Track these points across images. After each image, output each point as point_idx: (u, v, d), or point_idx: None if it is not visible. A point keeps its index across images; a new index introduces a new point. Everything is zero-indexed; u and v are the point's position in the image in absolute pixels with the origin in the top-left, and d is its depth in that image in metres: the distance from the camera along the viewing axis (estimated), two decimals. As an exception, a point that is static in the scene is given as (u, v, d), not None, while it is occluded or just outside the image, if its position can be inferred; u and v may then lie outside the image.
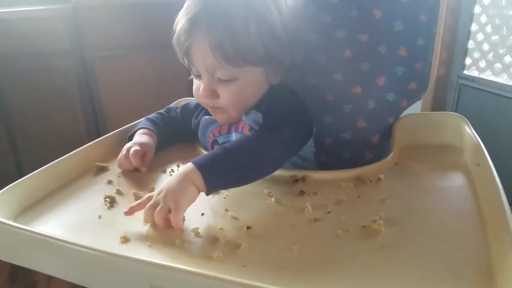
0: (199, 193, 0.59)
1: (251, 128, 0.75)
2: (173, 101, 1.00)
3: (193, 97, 0.87)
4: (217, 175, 0.60)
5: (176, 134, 0.88)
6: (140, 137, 0.80)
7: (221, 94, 0.73)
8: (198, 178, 0.58)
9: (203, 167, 0.59)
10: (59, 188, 0.68)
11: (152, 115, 0.88)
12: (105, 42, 2.02)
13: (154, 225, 0.56)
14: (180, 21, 0.72)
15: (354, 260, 0.49)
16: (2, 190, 0.59)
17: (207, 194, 0.60)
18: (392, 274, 0.46)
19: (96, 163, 0.74)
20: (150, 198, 0.58)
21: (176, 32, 0.73)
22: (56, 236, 0.49)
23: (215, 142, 0.81)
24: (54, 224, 0.58)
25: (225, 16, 0.68)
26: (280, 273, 0.47)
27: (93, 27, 1.98)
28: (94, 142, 0.79)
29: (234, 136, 0.78)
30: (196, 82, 0.77)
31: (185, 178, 0.58)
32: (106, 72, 2.07)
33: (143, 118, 0.88)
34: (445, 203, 0.61)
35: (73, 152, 0.73)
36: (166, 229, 0.55)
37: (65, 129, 2.09)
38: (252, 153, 0.65)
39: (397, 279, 0.45)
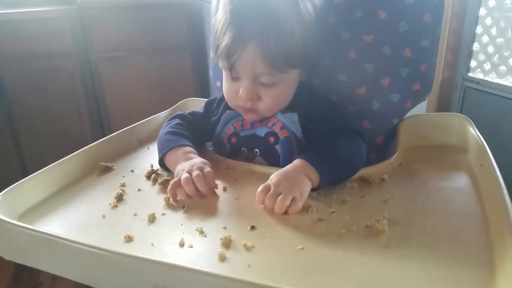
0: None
1: (283, 127, 0.75)
2: (178, 102, 1.00)
3: (198, 97, 0.88)
4: (327, 172, 0.65)
5: (201, 141, 0.84)
6: (193, 156, 0.72)
7: (263, 97, 0.73)
8: (314, 174, 0.63)
9: (316, 165, 0.64)
10: (63, 188, 0.68)
11: (175, 127, 0.79)
12: (110, 43, 2.04)
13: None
14: (225, 25, 0.71)
15: (358, 260, 0.49)
16: (6, 190, 0.60)
17: (319, 188, 0.64)
18: (395, 273, 0.46)
19: (101, 163, 0.74)
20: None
21: (221, 36, 0.71)
22: (59, 235, 0.50)
23: (234, 135, 0.79)
24: (58, 224, 0.58)
25: (275, 23, 0.68)
26: (285, 273, 0.47)
27: (98, 28, 2.00)
28: (99, 142, 0.79)
29: (259, 130, 0.77)
30: (230, 85, 0.75)
31: (302, 173, 0.63)
32: (111, 73, 2.08)
33: (166, 128, 0.80)
34: (448, 203, 0.61)
35: (77, 152, 0.73)
36: (172, 229, 0.55)
37: (70, 129, 2.10)
38: (353, 155, 0.70)
39: (401, 278, 0.45)
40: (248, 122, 0.79)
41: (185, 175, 0.64)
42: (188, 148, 0.73)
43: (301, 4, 0.71)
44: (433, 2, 0.78)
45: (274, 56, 0.68)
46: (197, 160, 0.70)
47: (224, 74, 0.77)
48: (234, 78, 0.74)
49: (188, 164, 0.68)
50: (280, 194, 0.59)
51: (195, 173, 0.65)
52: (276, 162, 0.75)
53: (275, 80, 0.72)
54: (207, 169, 0.67)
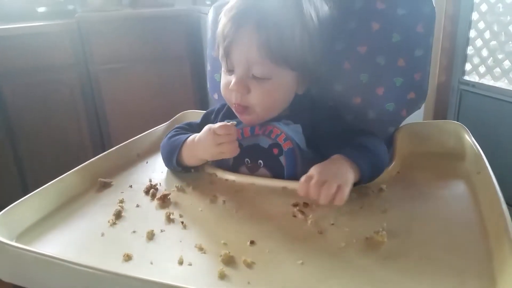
0: None
1: (287, 138, 0.75)
2: (177, 113, 1.00)
3: (197, 110, 0.88)
4: (367, 165, 0.65)
5: None
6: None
7: (252, 90, 0.73)
8: (355, 168, 0.64)
9: (356, 158, 0.65)
10: (62, 206, 0.68)
11: (175, 131, 0.83)
12: (109, 55, 2.05)
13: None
14: (227, 15, 0.73)
15: (359, 273, 0.49)
16: (4, 210, 0.59)
17: (361, 182, 0.66)
18: (397, 285, 0.46)
19: (99, 179, 0.74)
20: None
21: (222, 24, 0.74)
22: (57, 256, 0.50)
23: None
24: (57, 243, 0.58)
25: (274, 17, 0.70)
26: (285, 288, 0.47)
27: (97, 40, 2.02)
28: (97, 158, 0.79)
29: (261, 140, 0.77)
30: (225, 78, 0.76)
31: (343, 164, 0.64)
32: (111, 84, 2.10)
33: (168, 136, 0.82)
34: (447, 212, 0.61)
35: (75, 168, 0.73)
36: (171, 246, 0.55)
37: (70, 141, 2.11)
38: (382, 151, 0.72)
39: (401, 290, 0.45)
40: (247, 129, 0.79)
41: (209, 130, 0.71)
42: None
43: (305, 9, 0.72)
44: (424, 13, 0.79)
45: (268, 44, 0.69)
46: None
47: (222, 71, 0.77)
48: (229, 71, 0.75)
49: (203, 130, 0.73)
50: (325, 182, 0.59)
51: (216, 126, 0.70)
52: (280, 173, 0.75)
53: (268, 73, 0.72)
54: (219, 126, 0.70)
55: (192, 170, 0.78)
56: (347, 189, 0.59)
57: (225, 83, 0.76)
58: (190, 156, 0.76)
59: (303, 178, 0.61)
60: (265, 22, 0.69)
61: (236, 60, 0.72)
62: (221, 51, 0.74)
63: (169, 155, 0.78)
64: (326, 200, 0.58)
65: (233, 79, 0.73)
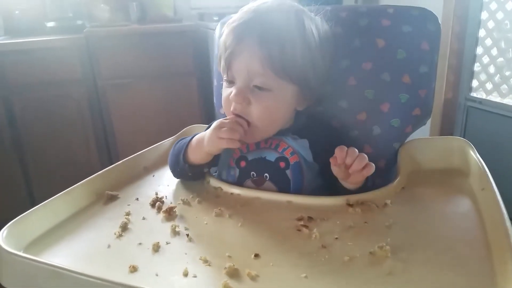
0: None
1: (293, 152, 0.76)
2: (184, 127, 1.01)
3: (204, 124, 0.89)
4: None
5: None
6: None
7: (253, 102, 0.73)
8: None
9: None
10: (69, 218, 0.68)
11: (180, 140, 0.85)
12: (117, 70, 2.08)
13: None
14: (229, 26, 0.74)
15: (362, 287, 0.49)
16: (12, 221, 0.60)
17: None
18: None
19: (106, 191, 0.75)
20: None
21: (224, 35, 0.75)
22: (64, 267, 0.50)
23: (242, 158, 0.80)
24: (64, 254, 0.59)
25: (276, 30, 0.72)
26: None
27: (105, 55, 2.05)
28: (105, 171, 0.80)
29: (267, 154, 0.78)
30: (226, 90, 0.77)
31: None
32: (118, 100, 2.12)
33: (175, 146, 0.84)
34: (451, 229, 0.61)
35: (83, 181, 0.74)
36: (176, 258, 0.56)
37: (78, 156, 2.12)
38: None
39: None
40: (252, 143, 0.79)
41: (218, 125, 0.73)
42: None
43: (306, 25, 0.73)
44: (429, 30, 0.80)
45: (271, 56, 0.70)
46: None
47: (223, 84, 0.78)
48: (230, 82, 0.75)
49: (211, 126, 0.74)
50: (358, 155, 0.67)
51: (218, 128, 0.72)
52: (286, 187, 0.76)
53: (269, 85, 0.72)
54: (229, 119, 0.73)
55: (205, 170, 0.80)
56: (372, 165, 0.68)
57: (226, 95, 0.76)
58: (196, 150, 0.77)
59: (338, 148, 0.68)
60: (267, 34, 0.71)
61: (237, 71, 0.73)
62: (222, 62, 0.75)
63: (176, 154, 0.79)
64: (360, 166, 0.67)
65: (233, 90, 0.73)
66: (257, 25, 0.72)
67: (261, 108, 0.73)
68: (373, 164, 0.67)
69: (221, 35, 0.78)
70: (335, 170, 0.70)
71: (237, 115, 0.74)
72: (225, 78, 0.76)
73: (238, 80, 0.73)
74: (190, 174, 0.79)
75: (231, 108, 0.75)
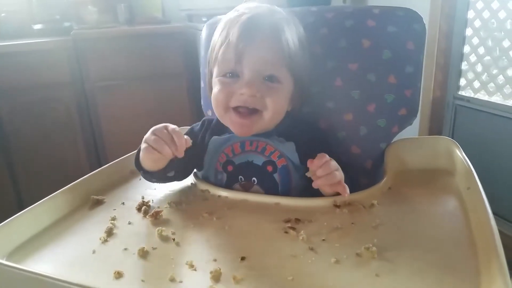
0: None
1: (281, 156, 0.76)
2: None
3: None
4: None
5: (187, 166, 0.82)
6: None
7: (265, 93, 0.72)
8: None
9: None
10: (54, 224, 0.67)
11: None
12: (105, 72, 2.06)
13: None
14: (233, 22, 0.73)
15: (349, 289, 0.49)
16: None
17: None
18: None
19: (92, 196, 0.74)
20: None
21: (226, 30, 0.73)
22: (48, 274, 0.50)
23: (229, 162, 0.78)
24: (48, 260, 0.58)
25: (281, 28, 0.74)
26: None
27: (93, 58, 2.03)
28: (90, 175, 0.79)
29: (254, 157, 0.77)
30: (222, 86, 0.74)
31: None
32: (107, 102, 2.10)
33: None
34: (437, 228, 0.61)
35: (68, 186, 0.73)
36: (162, 263, 0.55)
37: (67, 159, 2.10)
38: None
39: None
40: (237, 145, 0.78)
41: (150, 136, 0.69)
42: None
43: (295, 27, 0.76)
44: (415, 30, 0.80)
45: (283, 48, 0.72)
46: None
47: (215, 80, 0.76)
48: (233, 76, 0.73)
49: (151, 130, 0.71)
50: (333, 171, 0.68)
51: (158, 130, 0.69)
52: (274, 190, 0.76)
53: (280, 77, 0.73)
54: (172, 126, 0.69)
55: (169, 174, 0.76)
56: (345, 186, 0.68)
57: (225, 91, 0.73)
58: (143, 157, 0.73)
59: (320, 155, 0.68)
60: (276, 28, 0.72)
61: (249, 62, 0.71)
62: (226, 56, 0.72)
63: (135, 160, 0.76)
64: (326, 182, 0.67)
65: (237, 88, 0.72)
66: (265, 20, 0.73)
67: (272, 100, 0.73)
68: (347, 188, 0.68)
69: (207, 37, 0.78)
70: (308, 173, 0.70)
71: (174, 130, 0.70)
72: (225, 71, 0.74)
73: (248, 72, 0.72)
74: (154, 179, 0.78)
75: (239, 102, 0.72)
